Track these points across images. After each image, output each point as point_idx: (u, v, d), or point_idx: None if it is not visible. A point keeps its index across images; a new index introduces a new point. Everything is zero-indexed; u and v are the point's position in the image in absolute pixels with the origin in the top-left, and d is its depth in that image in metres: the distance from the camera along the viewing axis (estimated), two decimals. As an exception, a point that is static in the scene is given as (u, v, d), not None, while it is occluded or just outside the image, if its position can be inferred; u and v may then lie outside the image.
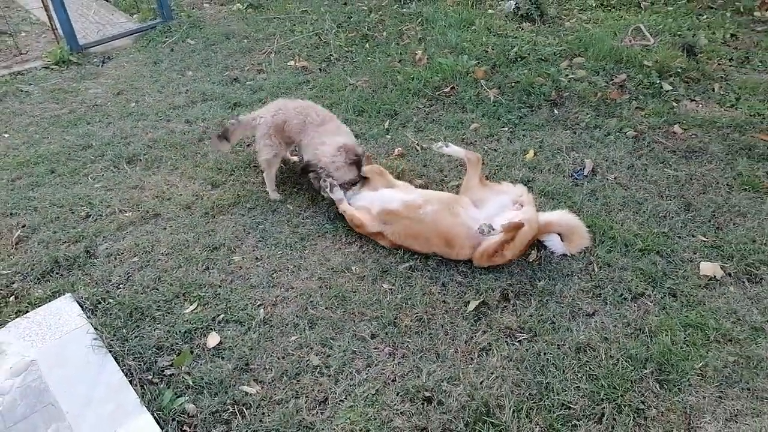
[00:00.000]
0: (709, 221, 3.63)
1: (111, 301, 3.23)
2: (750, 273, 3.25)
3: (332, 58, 6.10)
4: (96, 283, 3.38)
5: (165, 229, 3.80)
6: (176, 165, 4.45)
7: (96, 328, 3.00)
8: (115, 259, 3.57)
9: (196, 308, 3.16)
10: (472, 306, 3.07)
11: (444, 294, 3.19)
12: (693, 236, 3.52)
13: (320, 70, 5.90)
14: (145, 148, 4.67)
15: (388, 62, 5.84)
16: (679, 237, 3.52)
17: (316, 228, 3.72)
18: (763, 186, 3.87)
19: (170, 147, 4.68)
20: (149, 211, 3.95)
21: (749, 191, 3.85)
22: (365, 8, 7.32)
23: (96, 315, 3.11)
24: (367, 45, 6.32)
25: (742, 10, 6.78)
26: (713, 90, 5.04)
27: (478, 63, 5.63)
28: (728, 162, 4.13)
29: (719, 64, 5.48)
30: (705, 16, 6.69)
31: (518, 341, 2.91)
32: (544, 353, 2.84)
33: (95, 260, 3.56)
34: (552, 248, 3.45)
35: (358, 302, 3.13)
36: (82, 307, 3.14)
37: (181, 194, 4.12)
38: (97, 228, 3.81)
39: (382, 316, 3.04)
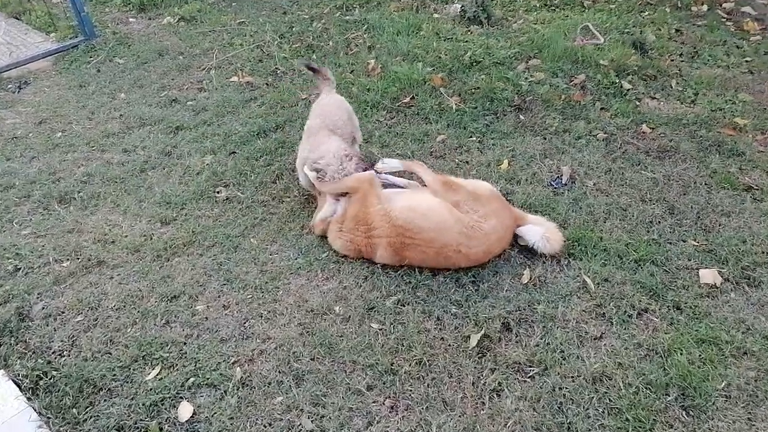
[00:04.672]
0: (696, 224, 3.53)
1: (55, 374, 2.75)
2: (748, 277, 3.14)
3: (278, 71, 5.71)
4: (34, 352, 2.88)
5: (112, 278, 3.32)
6: (117, 202, 3.95)
7: (40, 413, 2.52)
8: (55, 320, 3.07)
9: (159, 373, 2.73)
10: (473, 341, 2.80)
11: (441, 329, 2.90)
12: (684, 241, 3.40)
13: (267, 84, 5.49)
14: (78, 184, 4.13)
15: (339, 73, 5.50)
16: (670, 243, 3.39)
17: (287, 264, 3.34)
18: (740, 183, 3.81)
19: (108, 181, 4.17)
20: (91, 259, 3.46)
21: (728, 189, 3.78)
22: (306, 17, 6.95)
23: (38, 395, 2.63)
24: (314, 56, 5.96)
25: (680, 5, 6.89)
26: (671, 87, 5.02)
27: (434, 70, 5.40)
28: (701, 160, 4.07)
29: (671, 60, 5.49)
30: (647, 13, 6.73)
31: (529, 377, 2.66)
32: (559, 388, 2.60)
33: (30, 324, 3.06)
34: (528, 240, 3.30)
35: (348, 348, 2.79)
36: (19, 386, 2.65)
37: (126, 236, 3.64)
38: (30, 283, 3.29)
39: (377, 363, 2.71)
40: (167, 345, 2.86)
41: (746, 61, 5.42)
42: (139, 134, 4.75)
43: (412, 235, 3.10)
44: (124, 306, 3.11)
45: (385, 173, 3.62)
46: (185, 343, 2.87)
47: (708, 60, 5.47)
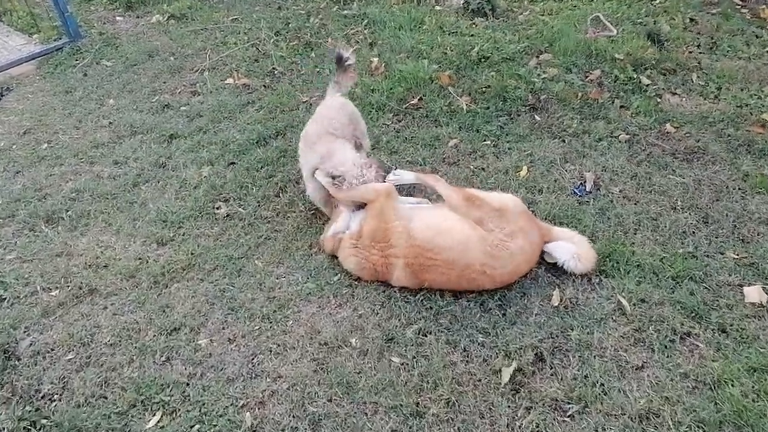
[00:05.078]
0: (733, 234, 3.29)
1: (45, 422, 2.50)
2: (796, 293, 2.90)
3: (276, 71, 5.41)
4: (21, 397, 2.62)
5: (105, 309, 3.06)
6: (109, 221, 3.68)
7: (28, 472, 2.27)
8: (44, 358, 2.81)
9: (161, 420, 2.48)
10: (506, 376, 2.55)
11: (468, 362, 2.65)
12: (722, 254, 3.16)
13: (264, 86, 5.19)
14: (66, 202, 3.85)
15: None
16: (708, 256, 3.15)
17: (296, 289, 3.08)
18: (775, 186, 3.57)
19: (99, 198, 3.88)
20: (82, 287, 3.19)
21: (763, 194, 3.54)
22: (302, 12, 6.63)
23: (27, 450, 2.37)
24: (313, 54, 5.66)
25: (691, -9, 6.61)
26: (692, 81, 4.75)
27: (440, 67, 5.11)
28: (732, 162, 3.82)
29: (689, 52, 5.22)
30: (658, 1, 6.46)
31: (569, 416, 2.42)
32: (603, 428, 2.36)
33: (17, 363, 2.80)
34: (557, 258, 3.05)
35: (368, 388, 2.54)
36: (5, 441, 2.39)
37: (120, 259, 3.37)
38: (15, 316, 3.03)
39: (401, 405, 2.46)
40: (168, 387, 2.60)
41: (767, 52, 5.16)
42: (131, 144, 4.46)
43: (433, 256, 2.84)
44: (120, 341, 2.85)
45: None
46: (188, 384, 2.61)
47: (728, 51, 5.20)
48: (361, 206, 3.16)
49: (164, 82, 5.37)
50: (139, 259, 3.36)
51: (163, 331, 2.88)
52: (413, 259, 2.87)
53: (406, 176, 3.36)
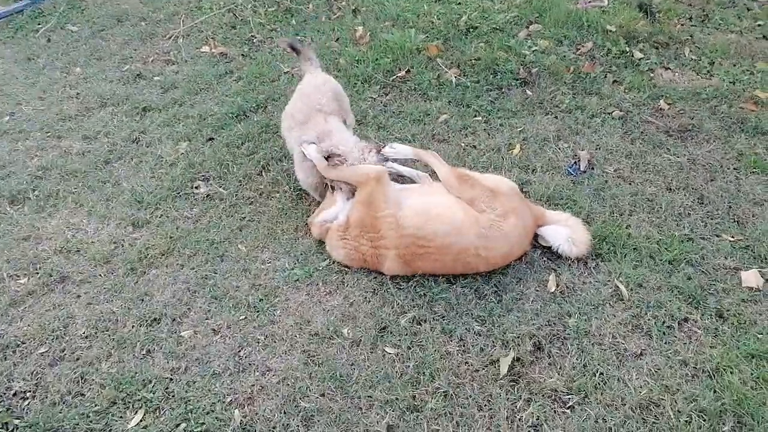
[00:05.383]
0: (728, 215, 3.23)
1: (17, 422, 2.34)
2: (792, 277, 2.87)
3: (254, 39, 5.14)
4: (-9, 395, 2.45)
5: (79, 297, 2.88)
6: (80, 201, 3.46)
7: (1, 479, 2.12)
8: (14, 352, 2.64)
9: (143, 419, 2.35)
10: (504, 366, 2.47)
11: (465, 352, 2.56)
12: (717, 236, 3.11)
13: (243, 55, 4.93)
14: (33, 181, 3.61)
15: (323, 42, 4.98)
16: (704, 239, 3.09)
17: (283, 276, 2.93)
18: (769, 166, 3.52)
19: (68, 176, 3.65)
20: (53, 273, 3.00)
21: (758, 174, 3.49)
22: (281, -25, 6.29)
23: (-2, 455, 2.22)
24: (293, 21, 5.39)
25: (681, -39, 6.46)
26: (684, 55, 4.65)
27: (428, 37, 4.91)
28: (725, 140, 3.75)
29: (681, 25, 5.10)
30: (648, -30, 6.29)
31: (569, 407, 2.36)
32: (603, 419, 2.31)
33: (-16, 357, 2.61)
34: (552, 242, 2.98)
35: (362, 381, 2.44)
36: (-25, 445, 2.23)
37: (93, 243, 3.18)
38: (-19, 306, 2.82)
39: (396, 398, 2.37)
40: (150, 382, 2.46)
41: (759, 26, 5.08)
42: (101, 117, 4.20)
43: (425, 243, 2.72)
44: (96, 333, 2.69)
45: (391, 161, 3.22)
46: (171, 380, 2.47)
47: (720, 24, 5.10)
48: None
49: (135, 50, 5.06)
50: (114, 243, 3.17)
51: (143, 322, 2.72)
52: (405, 249, 2.75)
53: (403, 150, 3.22)
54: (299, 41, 3.55)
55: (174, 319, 2.73)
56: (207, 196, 3.45)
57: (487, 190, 2.91)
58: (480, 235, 2.75)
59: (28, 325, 2.73)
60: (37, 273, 3.00)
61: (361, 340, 2.60)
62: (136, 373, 2.50)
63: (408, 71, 4.49)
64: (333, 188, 3.04)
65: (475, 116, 4.04)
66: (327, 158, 2.95)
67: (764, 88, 4.21)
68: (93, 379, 2.49)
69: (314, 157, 2.97)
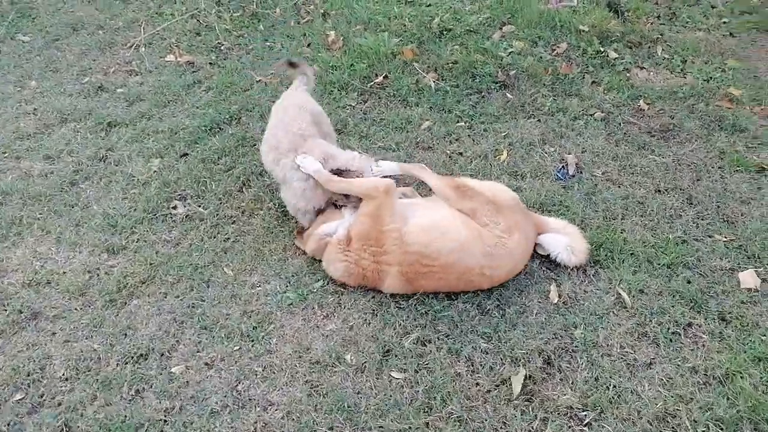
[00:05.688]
0: (717, 215, 3.25)
1: (-5, 483, 2.11)
2: (786, 275, 2.90)
3: (222, 47, 4.93)
4: (-38, 453, 2.21)
5: (54, 335, 2.66)
6: (46, 227, 3.21)
7: None
8: (-15, 400, 2.39)
9: (138, 468, 2.15)
10: (516, 386, 2.39)
11: (474, 372, 2.47)
12: (710, 237, 3.11)
13: (211, 64, 4.73)
14: (-9, 207, 3.34)
15: (294, 48, 4.81)
16: (697, 240, 3.09)
17: (275, 300, 2.78)
18: (750, 164, 3.56)
19: (31, 200, 3.40)
20: (23, 310, 2.77)
21: (742, 172, 3.52)
22: (245, -22, 6.08)
23: None
24: (261, 26, 5.21)
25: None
26: (657, 54, 4.70)
27: (402, 41, 4.81)
28: (706, 138, 3.79)
29: (651, 24, 5.16)
30: (612, -31, 6.36)
31: (585, 424, 2.30)
32: (621, 435, 2.26)
33: (-49, 408, 2.37)
34: (550, 251, 2.92)
35: (371, 410, 2.31)
36: None
37: (65, 273, 2.95)
38: (-57, 350, 2.57)
39: (409, 427, 2.25)
40: (143, 426, 2.27)
41: (724, 23, 5.19)
42: (62, 134, 3.93)
43: (430, 262, 2.62)
44: (77, 374, 2.47)
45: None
46: (166, 421, 2.29)
47: (687, 22, 5.19)
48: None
49: (94, 60, 4.78)
50: (89, 272, 2.95)
51: (128, 359, 2.52)
52: (408, 266, 2.63)
53: (389, 167, 3.09)
54: (297, 58, 3.37)
55: (162, 354, 2.54)
56: (186, 217, 3.25)
57: (489, 201, 2.82)
58: (485, 254, 2.67)
59: (1, 369, 2.50)
60: (5, 310, 2.76)
61: (365, 365, 2.48)
62: (126, 416, 2.30)
63: (386, 77, 4.37)
64: (339, 206, 2.91)
65: (458, 122, 3.97)
66: (339, 173, 2.82)
67: (737, 85, 4.28)
68: (79, 427, 2.28)
69: (314, 170, 2.80)
